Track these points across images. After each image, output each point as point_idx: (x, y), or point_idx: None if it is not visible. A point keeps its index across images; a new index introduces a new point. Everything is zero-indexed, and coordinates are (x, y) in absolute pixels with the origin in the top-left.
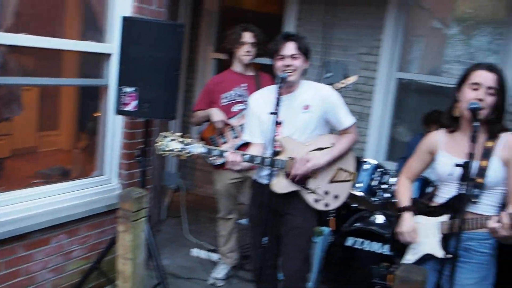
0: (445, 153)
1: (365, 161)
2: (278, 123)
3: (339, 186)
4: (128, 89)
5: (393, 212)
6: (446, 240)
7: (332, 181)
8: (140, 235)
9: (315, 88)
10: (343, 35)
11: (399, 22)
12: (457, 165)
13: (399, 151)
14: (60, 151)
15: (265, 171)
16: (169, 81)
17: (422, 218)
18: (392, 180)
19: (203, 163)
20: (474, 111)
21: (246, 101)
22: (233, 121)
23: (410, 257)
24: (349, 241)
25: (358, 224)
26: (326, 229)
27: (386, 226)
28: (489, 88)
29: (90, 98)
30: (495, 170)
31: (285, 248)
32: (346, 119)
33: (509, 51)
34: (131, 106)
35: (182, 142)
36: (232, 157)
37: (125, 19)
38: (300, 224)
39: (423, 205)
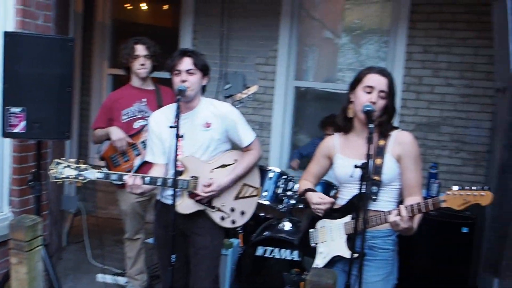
0: (342, 156)
1: (269, 170)
2: (179, 137)
3: (245, 202)
4: (15, 109)
5: (299, 217)
6: (351, 240)
7: (237, 197)
8: (36, 266)
9: (215, 106)
10: (240, 47)
11: (292, 33)
12: (356, 166)
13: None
14: None
15: (169, 191)
16: (61, 98)
17: (326, 222)
18: (296, 186)
19: (104, 183)
20: (368, 113)
21: (147, 116)
22: (135, 138)
23: (319, 262)
24: (259, 251)
25: (267, 233)
26: (235, 241)
27: (294, 233)
28: (381, 91)
29: None
30: (389, 167)
31: (194, 269)
32: (247, 136)
33: (394, 58)
34: (20, 127)
35: (77, 168)
36: (131, 180)
37: (7, 35)
38: (207, 244)
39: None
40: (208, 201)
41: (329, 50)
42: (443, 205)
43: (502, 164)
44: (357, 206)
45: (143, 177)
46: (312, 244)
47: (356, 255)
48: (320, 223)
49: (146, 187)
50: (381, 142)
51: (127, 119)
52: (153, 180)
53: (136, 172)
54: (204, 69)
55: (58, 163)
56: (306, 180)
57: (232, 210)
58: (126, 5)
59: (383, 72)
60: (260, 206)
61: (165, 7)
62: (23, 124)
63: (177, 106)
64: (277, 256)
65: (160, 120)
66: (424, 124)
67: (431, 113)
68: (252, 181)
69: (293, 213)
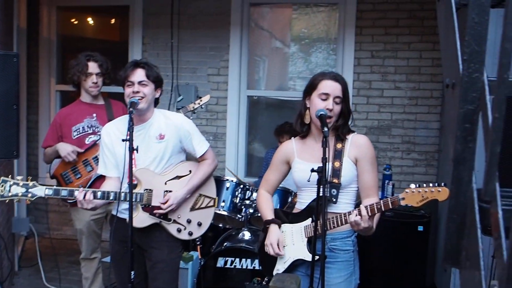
0: (300, 160)
1: (225, 180)
2: (133, 149)
3: (202, 213)
4: None
5: (258, 226)
6: (312, 243)
7: (193, 208)
8: None
9: (168, 117)
10: (190, 58)
11: (242, 43)
12: (312, 170)
13: (257, 166)
14: None
15: (125, 205)
16: (7, 116)
17: (286, 226)
18: (254, 195)
19: (57, 203)
20: (322, 118)
21: (98, 131)
22: (87, 154)
23: (280, 267)
24: (220, 262)
25: (227, 244)
26: (195, 254)
27: (254, 242)
28: (336, 97)
29: None
30: (347, 169)
31: (152, 283)
32: (201, 145)
33: (343, 63)
34: None
35: (24, 185)
36: (81, 195)
37: None
38: (164, 257)
39: (285, 213)
40: (162, 214)
41: (279, 59)
42: (403, 202)
43: (455, 156)
44: (316, 210)
45: (94, 192)
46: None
47: (317, 257)
48: (281, 228)
49: (98, 202)
50: (339, 146)
51: (78, 135)
52: (104, 194)
53: (90, 186)
54: (157, 81)
55: (4, 181)
56: (265, 192)
57: (189, 221)
58: (72, 20)
59: (336, 77)
60: (218, 217)
61: (113, 20)
62: None
63: (130, 118)
64: (238, 266)
65: (112, 132)
66: (376, 127)
67: (382, 116)
68: (208, 192)
69: (252, 222)
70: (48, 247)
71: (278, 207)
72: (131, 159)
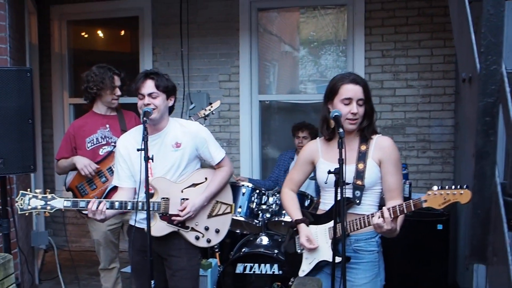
0: (325, 160)
1: (241, 186)
2: (149, 159)
3: (219, 219)
4: None
5: (276, 231)
6: (336, 244)
7: (210, 215)
8: None
9: (184, 125)
10: (201, 65)
11: (252, 48)
12: (329, 172)
13: (272, 170)
14: None
15: (142, 215)
16: (23, 131)
17: (311, 228)
18: (271, 200)
19: (74, 215)
20: (337, 119)
21: (112, 142)
22: (102, 165)
23: (305, 267)
24: (239, 268)
25: (245, 249)
26: (214, 261)
27: (272, 247)
28: (359, 100)
29: None
30: (371, 171)
31: None
32: (218, 152)
33: (354, 65)
34: None
35: (43, 198)
36: (94, 206)
37: None
38: (184, 265)
39: (310, 215)
40: (181, 221)
41: (289, 63)
42: (425, 205)
43: (477, 150)
44: (339, 211)
45: (112, 202)
46: (298, 250)
47: (340, 259)
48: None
49: (108, 213)
50: (363, 147)
51: (92, 146)
52: (122, 205)
53: (105, 197)
54: (167, 90)
55: (23, 195)
56: (290, 191)
57: (206, 229)
58: (82, 33)
59: (356, 80)
60: (236, 223)
61: (122, 32)
62: None
63: (144, 128)
64: (258, 272)
65: (129, 143)
66: (389, 127)
67: (395, 115)
68: (224, 198)
69: (269, 227)
70: (68, 259)
71: None
72: (146, 168)
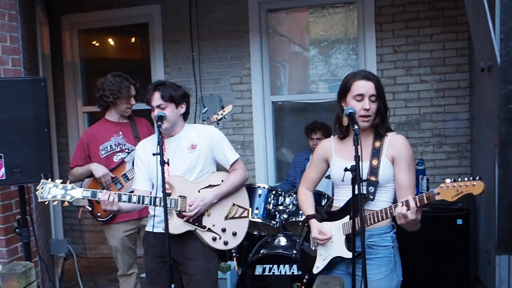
0: (338, 157)
1: (257, 187)
2: (165, 163)
3: (236, 222)
4: None
5: (293, 231)
6: (350, 241)
7: (227, 217)
8: None
9: (198, 128)
10: (212, 69)
11: (262, 50)
12: (346, 170)
13: (287, 171)
14: None
15: (158, 220)
16: (39, 140)
17: (325, 224)
18: (287, 200)
19: (92, 222)
20: (351, 116)
21: (126, 149)
22: (116, 172)
23: (319, 264)
24: (258, 270)
25: (263, 251)
26: (232, 263)
27: (290, 247)
28: (371, 96)
29: None
30: (384, 167)
31: None
32: (232, 154)
33: (366, 62)
34: None
35: (63, 187)
36: (106, 196)
37: None
38: (201, 268)
39: (324, 211)
40: (197, 221)
41: (300, 63)
42: (437, 197)
43: (500, 139)
44: (354, 207)
45: (130, 196)
46: (313, 247)
47: (355, 254)
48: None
49: (122, 205)
50: (377, 144)
51: (106, 154)
52: (140, 199)
53: None
54: (174, 100)
55: (45, 183)
56: (306, 189)
57: (223, 230)
58: (93, 42)
59: (368, 76)
60: (253, 224)
61: (133, 39)
62: (2, 171)
63: (159, 132)
64: (277, 273)
65: (147, 147)
66: (404, 123)
67: (409, 111)
68: (241, 202)
69: (287, 228)
70: (86, 266)
71: None
72: (163, 171)
